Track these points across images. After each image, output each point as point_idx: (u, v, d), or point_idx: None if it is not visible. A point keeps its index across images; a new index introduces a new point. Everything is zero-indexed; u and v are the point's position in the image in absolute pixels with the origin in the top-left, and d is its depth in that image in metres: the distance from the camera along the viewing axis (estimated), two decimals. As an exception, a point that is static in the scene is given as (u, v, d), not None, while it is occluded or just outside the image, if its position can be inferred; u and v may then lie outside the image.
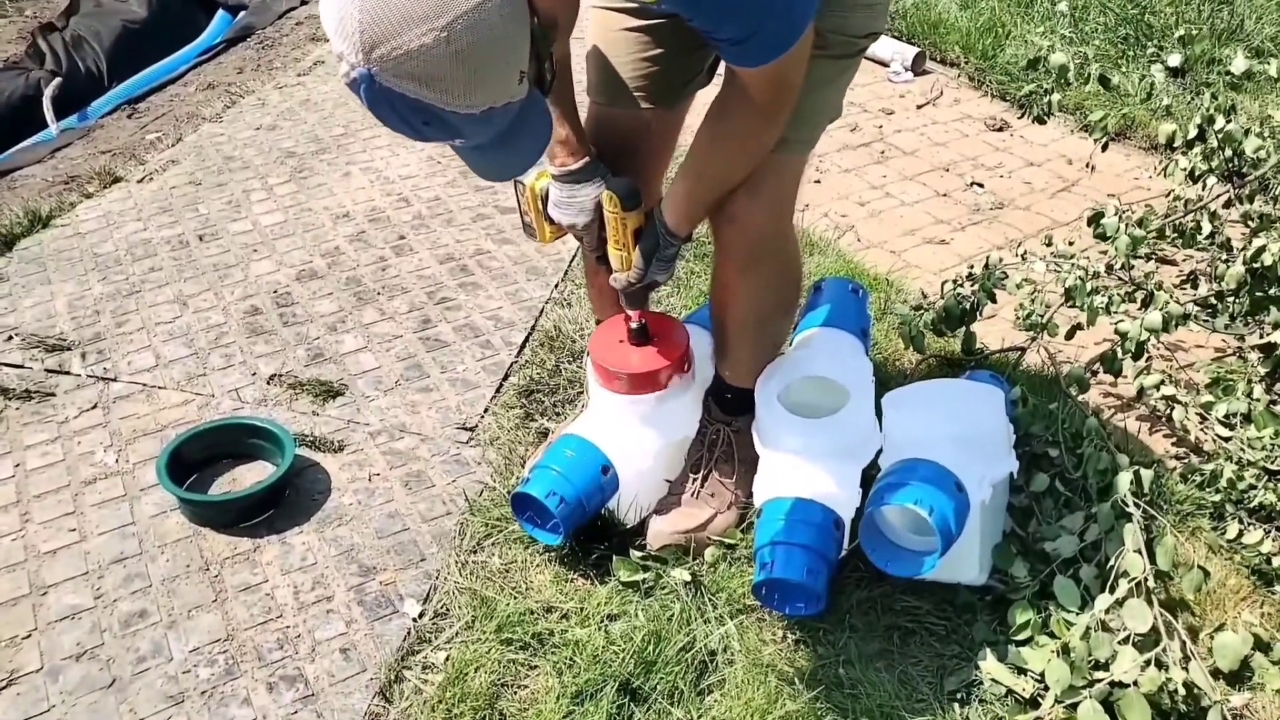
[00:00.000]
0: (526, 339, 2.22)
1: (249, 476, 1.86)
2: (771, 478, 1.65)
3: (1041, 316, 2.16)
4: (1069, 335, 2.15)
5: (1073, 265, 2.10)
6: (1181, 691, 1.45)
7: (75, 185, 2.76)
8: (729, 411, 1.77)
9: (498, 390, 2.07)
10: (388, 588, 1.67)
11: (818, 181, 2.91)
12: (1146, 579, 1.53)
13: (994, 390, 1.70)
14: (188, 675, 1.52)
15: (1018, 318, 2.27)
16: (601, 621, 1.58)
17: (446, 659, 1.54)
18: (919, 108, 3.35)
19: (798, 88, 1.34)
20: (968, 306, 2.05)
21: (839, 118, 1.62)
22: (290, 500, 1.81)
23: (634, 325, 1.65)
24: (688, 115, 1.68)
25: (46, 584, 1.65)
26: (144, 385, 2.06)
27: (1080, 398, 1.98)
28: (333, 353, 2.16)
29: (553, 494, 1.60)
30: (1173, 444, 2.02)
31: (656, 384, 1.65)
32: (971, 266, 2.29)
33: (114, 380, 2.07)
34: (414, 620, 1.61)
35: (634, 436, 1.70)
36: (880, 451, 1.67)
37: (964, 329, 2.07)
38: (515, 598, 1.62)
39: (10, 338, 2.18)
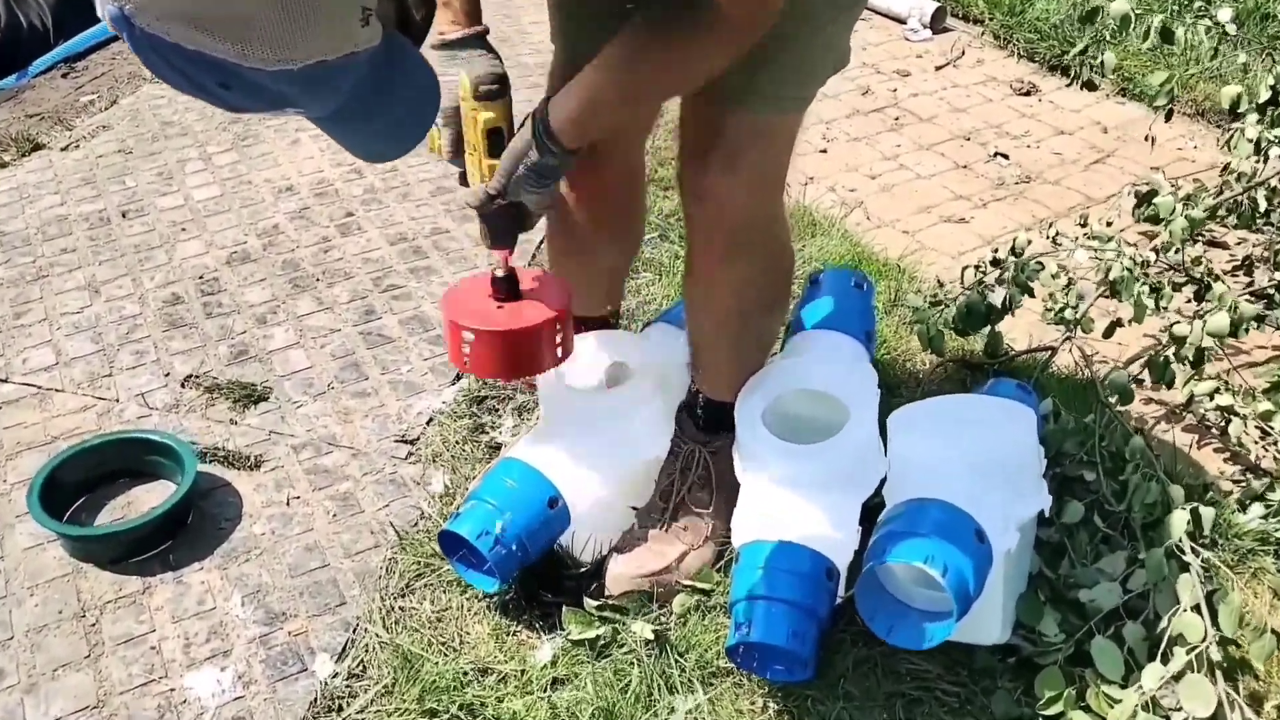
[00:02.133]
0: (482, 334, 1.94)
1: (147, 499, 1.59)
2: (751, 515, 1.37)
3: (1075, 310, 1.86)
4: (1107, 333, 1.86)
5: (1118, 252, 1.81)
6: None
7: (-7, 153, 2.49)
8: (705, 430, 1.49)
9: (444, 396, 1.79)
10: (297, 639, 1.41)
11: (824, 151, 2.61)
12: (1208, 648, 1.25)
13: (1023, 409, 1.41)
14: (43, 754, 1.26)
15: (1047, 309, 1.98)
16: (545, 688, 1.32)
17: (357, 734, 1.28)
18: (938, 69, 3.02)
19: (777, 7, 0.99)
20: (996, 303, 1.75)
21: (845, 67, 1.31)
22: (193, 527, 1.55)
23: (499, 273, 1.21)
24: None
25: (-111, 635, 1.39)
26: (38, 388, 1.79)
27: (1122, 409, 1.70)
28: (259, 349, 1.89)
29: (485, 534, 1.33)
30: (1227, 461, 1.73)
31: (526, 353, 1.21)
32: (995, 249, 2.00)
33: (4, 381, 1.81)
34: (324, 683, 1.34)
35: (590, 460, 1.43)
36: (884, 480, 1.40)
37: (989, 329, 1.77)
38: (445, 655, 1.36)
39: (-104, 330, 1.92)
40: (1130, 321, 1.83)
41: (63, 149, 2.49)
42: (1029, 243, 1.97)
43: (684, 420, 1.51)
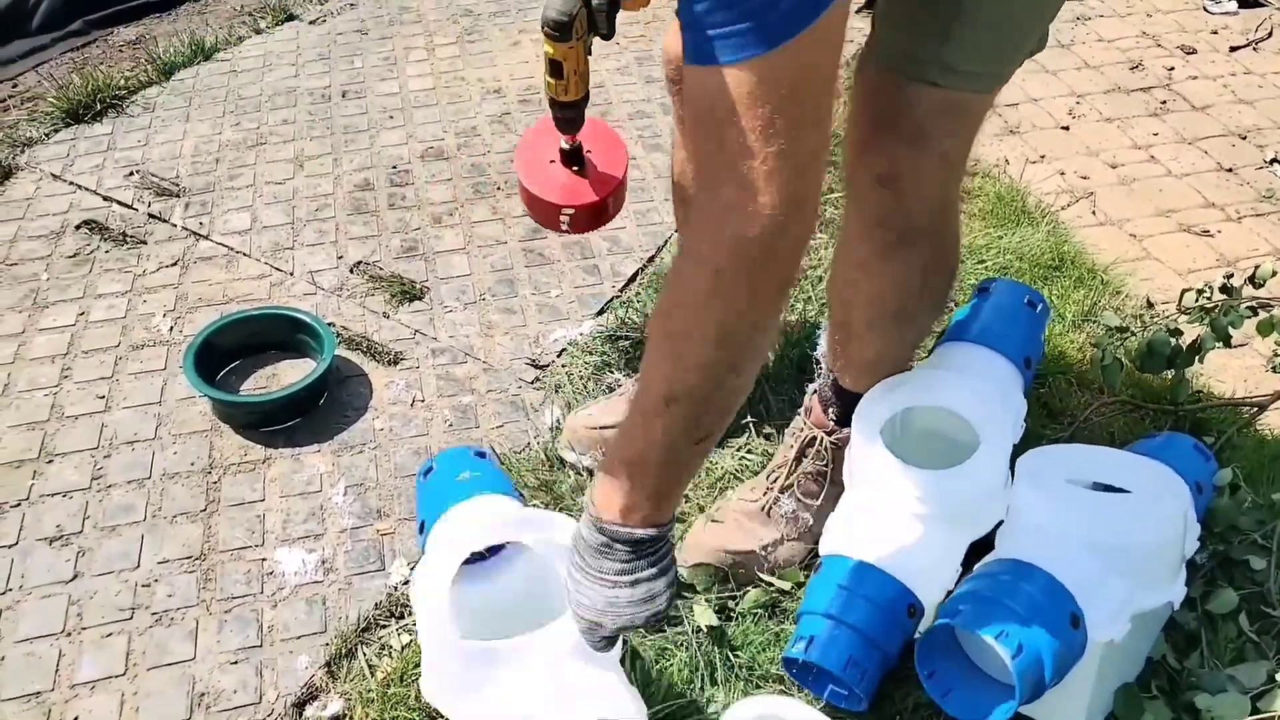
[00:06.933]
0: (637, 273, 1.90)
1: (289, 375, 1.69)
2: (847, 525, 1.28)
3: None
4: (1339, 399, 1.58)
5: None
6: None
7: (253, 18, 2.66)
8: (836, 419, 1.38)
9: (582, 328, 1.78)
10: (383, 539, 1.47)
11: (1065, 128, 2.33)
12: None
13: (1175, 481, 1.22)
14: (146, 589, 1.39)
15: (1276, 352, 1.70)
16: (593, 647, 1.31)
17: (406, 646, 1.32)
18: (1233, 50, 2.61)
19: (745, 145, 0.79)
20: (1184, 346, 1.52)
21: (1040, 51, 1.16)
22: (322, 410, 1.64)
23: (565, 146, 1.36)
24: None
25: (55, 452, 1.56)
26: (229, 249, 1.93)
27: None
28: (427, 249, 1.94)
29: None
30: None
31: (595, 219, 1.42)
32: (1230, 275, 1.72)
33: (205, 238, 1.96)
34: (394, 587, 1.40)
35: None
36: (1001, 523, 1.26)
37: (1176, 373, 1.54)
38: (510, 589, 1.37)
39: (132, 173, 2.12)
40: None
41: (310, 22, 2.63)
42: (1273, 273, 1.68)
43: (812, 401, 1.41)
